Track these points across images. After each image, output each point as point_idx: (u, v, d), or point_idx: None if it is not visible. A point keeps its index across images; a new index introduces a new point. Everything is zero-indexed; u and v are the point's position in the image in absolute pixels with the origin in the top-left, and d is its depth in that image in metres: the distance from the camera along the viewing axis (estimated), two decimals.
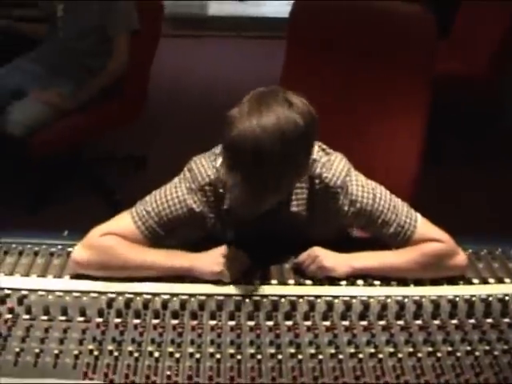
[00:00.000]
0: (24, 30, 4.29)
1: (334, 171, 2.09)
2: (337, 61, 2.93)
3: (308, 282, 2.09)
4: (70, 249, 2.17)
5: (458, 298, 2.05)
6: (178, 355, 1.82)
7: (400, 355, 1.85)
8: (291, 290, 2.06)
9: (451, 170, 4.67)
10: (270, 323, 1.95)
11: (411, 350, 1.87)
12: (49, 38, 4.14)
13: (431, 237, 2.12)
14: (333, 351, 1.86)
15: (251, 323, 1.94)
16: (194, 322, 1.93)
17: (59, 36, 4.04)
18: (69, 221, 3.63)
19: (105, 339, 1.86)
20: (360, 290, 2.07)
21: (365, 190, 2.11)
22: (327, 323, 1.96)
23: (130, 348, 1.83)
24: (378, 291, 2.07)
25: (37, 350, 1.81)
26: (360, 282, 2.10)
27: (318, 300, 2.03)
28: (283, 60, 3.09)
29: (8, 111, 3.80)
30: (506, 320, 2.00)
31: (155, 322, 1.93)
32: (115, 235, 2.07)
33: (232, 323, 1.94)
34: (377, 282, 2.10)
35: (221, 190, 2.09)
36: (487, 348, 1.89)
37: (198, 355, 1.82)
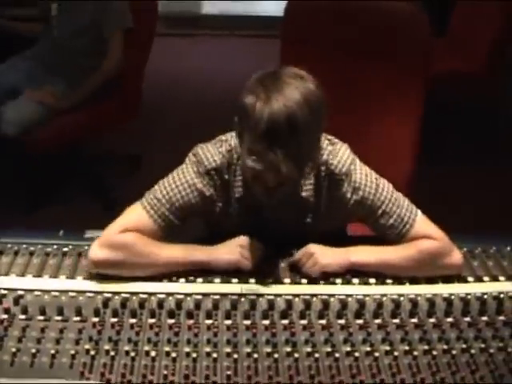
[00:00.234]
0: (18, 28, 4.28)
1: (340, 159, 2.11)
2: (331, 59, 2.94)
3: (304, 280, 2.10)
4: (65, 249, 2.18)
5: (453, 296, 2.06)
6: (174, 354, 1.82)
7: (396, 353, 1.86)
8: (287, 288, 2.07)
9: (448, 169, 4.67)
10: (266, 322, 1.95)
11: (407, 348, 1.88)
12: (43, 37, 4.13)
13: (428, 234, 2.13)
14: (329, 350, 1.86)
15: (247, 322, 1.95)
16: (190, 322, 1.94)
17: (53, 35, 4.04)
18: (65, 220, 3.64)
19: (101, 339, 1.86)
20: (356, 289, 2.08)
21: (368, 178, 2.13)
22: (323, 322, 1.96)
23: (127, 347, 1.84)
24: (374, 290, 2.08)
25: (33, 350, 1.81)
26: (355, 280, 2.11)
27: (314, 299, 2.03)
28: (277, 59, 3.09)
29: (2, 111, 3.80)
30: (501, 318, 2.00)
31: (151, 321, 1.93)
32: (132, 231, 2.06)
33: (228, 322, 1.94)
34: (372, 281, 2.11)
35: (226, 177, 2.12)
36: (482, 346, 1.90)
37: (194, 354, 1.82)
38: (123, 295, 2.00)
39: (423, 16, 2.99)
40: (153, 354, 1.82)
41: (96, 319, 1.93)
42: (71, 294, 2.01)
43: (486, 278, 2.15)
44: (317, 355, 1.84)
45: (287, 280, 2.09)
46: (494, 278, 2.15)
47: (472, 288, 2.11)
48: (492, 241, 2.31)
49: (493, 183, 4.62)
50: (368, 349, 1.87)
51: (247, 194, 2.12)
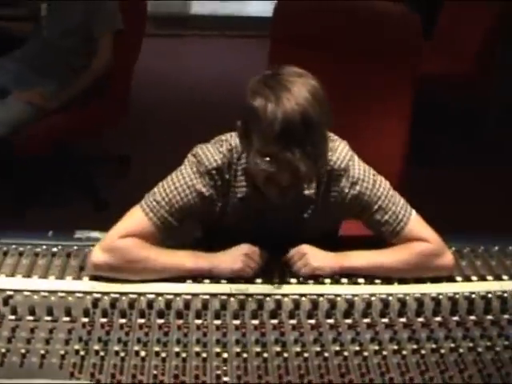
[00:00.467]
0: (8, 28, 4.27)
1: (339, 155, 2.13)
2: (320, 59, 2.94)
3: (293, 280, 2.10)
4: (54, 249, 2.17)
5: (441, 296, 2.06)
6: (164, 354, 1.82)
7: (384, 353, 1.86)
8: (276, 288, 2.07)
9: (436, 169, 4.69)
10: (256, 322, 1.95)
11: (395, 347, 1.89)
12: (33, 37, 4.13)
13: (421, 234, 2.14)
14: (318, 349, 1.87)
15: (236, 322, 1.95)
16: (180, 321, 1.94)
17: (43, 35, 4.03)
18: (54, 221, 3.63)
19: (91, 339, 1.86)
20: (344, 288, 2.08)
21: (366, 174, 2.14)
22: (312, 321, 1.96)
23: (116, 348, 1.84)
24: (363, 289, 2.09)
25: (23, 351, 1.80)
26: (344, 280, 2.11)
27: (303, 298, 2.03)
28: (266, 59, 3.10)
29: None
30: (489, 317, 2.01)
31: (141, 321, 1.93)
32: (133, 237, 2.07)
33: (217, 322, 1.94)
34: (361, 281, 2.12)
35: (227, 176, 2.12)
36: (471, 345, 1.91)
37: (183, 354, 1.82)
38: (112, 295, 2.00)
39: (414, 16, 3.00)
40: (142, 354, 1.82)
41: (86, 319, 1.93)
42: (61, 294, 2.01)
43: (474, 278, 2.16)
44: (306, 355, 1.84)
45: (276, 280, 2.10)
46: (482, 278, 2.16)
47: (460, 287, 2.12)
48: (480, 240, 2.32)
49: (481, 183, 4.63)
50: (357, 348, 1.88)
51: (251, 195, 2.12)
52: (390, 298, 2.05)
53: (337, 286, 2.09)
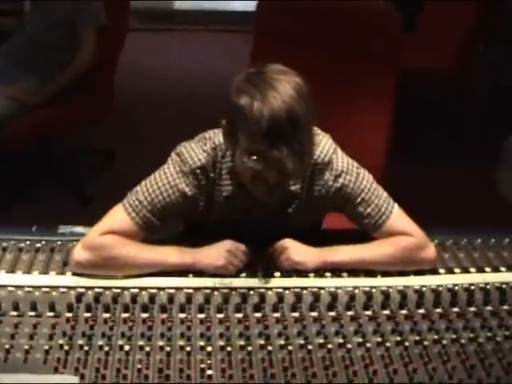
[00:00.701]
0: None
1: (322, 148, 2.13)
2: (303, 55, 2.95)
3: (276, 273, 2.11)
4: (38, 244, 2.17)
5: (424, 288, 2.08)
6: (148, 348, 1.82)
7: (368, 345, 1.88)
8: (260, 282, 2.08)
9: (419, 164, 4.70)
10: (239, 315, 1.96)
11: (379, 339, 1.90)
12: (17, 32, 4.11)
13: (403, 228, 2.15)
14: (302, 342, 1.88)
15: (220, 316, 1.95)
16: (164, 316, 1.94)
17: (27, 30, 4.02)
18: (39, 216, 3.62)
19: (75, 334, 1.86)
20: (328, 281, 2.09)
21: (349, 167, 2.14)
22: (296, 314, 1.97)
23: (100, 342, 1.84)
24: (346, 282, 2.09)
25: (7, 346, 1.80)
26: (328, 273, 2.12)
27: (287, 292, 2.04)
28: (250, 53, 3.10)
29: None
30: (472, 309, 2.03)
31: (125, 315, 1.93)
32: (114, 234, 2.07)
33: (201, 316, 1.95)
34: (344, 274, 2.12)
35: (211, 175, 2.11)
36: (454, 337, 1.92)
37: (168, 348, 1.83)
38: (96, 290, 2.00)
39: (395, 14, 3.02)
40: (127, 348, 1.82)
41: (69, 314, 1.93)
42: (44, 289, 2.01)
43: (457, 270, 2.17)
44: (290, 348, 1.85)
45: (260, 273, 2.10)
46: (465, 270, 2.17)
47: (443, 280, 2.13)
48: (463, 233, 2.33)
49: (462, 177, 4.65)
50: (340, 341, 1.89)
51: (236, 193, 2.12)
52: (374, 290, 2.06)
53: (320, 279, 2.10)
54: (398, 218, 2.16)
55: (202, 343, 1.85)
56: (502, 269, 2.19)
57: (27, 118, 3.87)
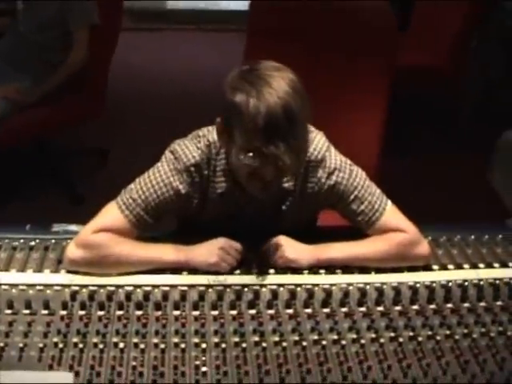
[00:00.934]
0: None
1: (315, 146, 2.13)
2: (296, 54, 2.94)
3: (271, 270, 2.11)
4: (32, 243, 2.17)
5: (418, 285, 2.08)
6: (142, 346, 1.83)
7: (362, 341, 1.88)
8: (254, 279, 2.08)
9: (411, 161, 4.71)
10: (234, 312, 1.96)
11: (373, 335, 1.90)
12: (9, 32, 4.11)
13: (397, 224, 2.15)
14: (296, 338, 1.88)
15: (215, 313, 1.96)
16: (158, 313, 1.94)
17: (19, 30, 4.02)
18: (32, 214, 3.62)
19: (69, 331, 1.86)
20: (322, 278, 2.10)
21: (342, 164, 2.15)
22: (290, 311, 1.98)
23: (95, 340, 1.84)
24: (340, 279, 2.10)
25: (1, 344, 1.80)
26: (322, 270, 2.12)
27: (281, 288, 2.05)
28: (243, 52, 3.10)
29: None
30: (466, 305, 2.03)
31: (119, 313, 1.93)
32: (107, 231, 2.06)
33: (196, 313, 1.95)
34: (338, 270, 2.13)
35: (206, 172, 2.11)
36: (448, 332, 1.93)
37: (162, 345, 1.83)
38: (91, 288, 2.00)
39: (391, 13, 3.02)
40: (121, 345, 1.82)
41: (64, 312, 1.93)
42: (39, 287, 2.01)
43: (450, 266, 2.18)
44: (284, 344, 1.86)
45: (254, 270, 2.10)
46: (459, 266, 2.18)
47: (437, 276, 2.13)
48: (456, 230, 2.34)
49: (455, 175, 4.67)
50: (335, 337, 1.89)
51: (231, 190, 2.12)
52: (368, 287, 2.07)
53: (314, 275, 2.10)
54: (391, 214, 2.16)
55: (196, 340, 1.86)
56: (496, 265, 2.19)
57: (20, 117, 3.86)
